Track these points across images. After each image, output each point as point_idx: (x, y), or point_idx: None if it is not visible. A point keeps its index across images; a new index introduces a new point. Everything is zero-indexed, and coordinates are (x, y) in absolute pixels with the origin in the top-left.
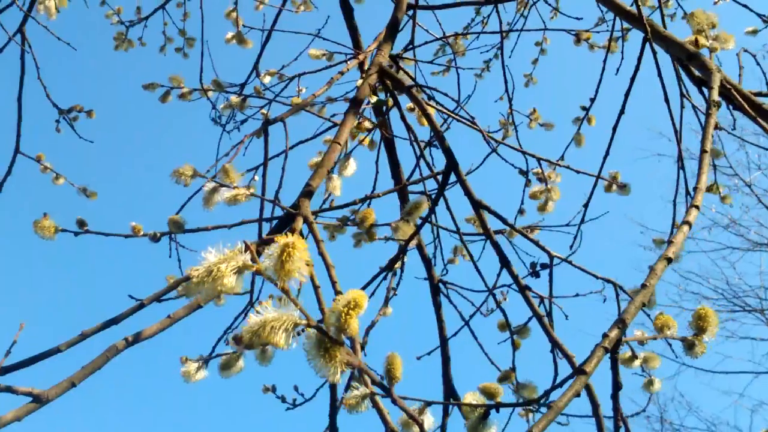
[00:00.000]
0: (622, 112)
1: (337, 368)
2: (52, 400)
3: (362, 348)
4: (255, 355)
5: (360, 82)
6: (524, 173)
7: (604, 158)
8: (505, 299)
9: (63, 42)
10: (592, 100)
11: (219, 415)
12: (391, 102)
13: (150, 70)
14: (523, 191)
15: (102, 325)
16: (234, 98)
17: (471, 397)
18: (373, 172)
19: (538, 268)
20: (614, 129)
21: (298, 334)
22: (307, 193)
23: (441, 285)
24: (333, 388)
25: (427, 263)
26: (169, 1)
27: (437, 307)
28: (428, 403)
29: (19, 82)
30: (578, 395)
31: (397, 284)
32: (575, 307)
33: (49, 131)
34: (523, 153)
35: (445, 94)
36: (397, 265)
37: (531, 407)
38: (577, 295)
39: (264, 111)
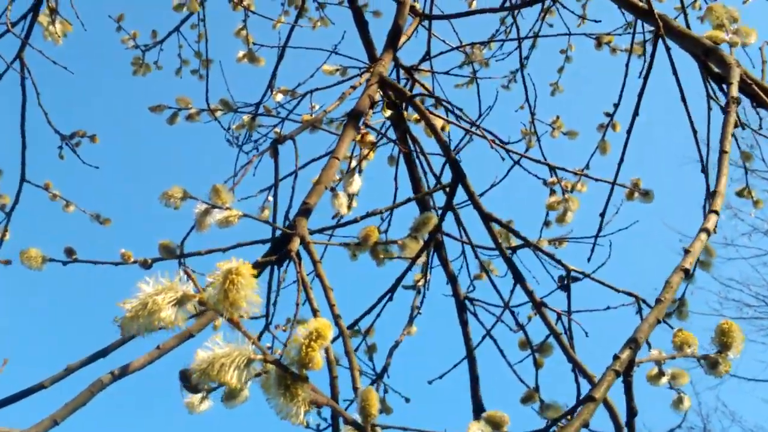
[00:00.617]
0: (635, 114)
1: (300, 407)
2: None
3: (385, 370)
4: (261, 383)
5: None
6: (550, 184)
7: (619, 164)
8: (530, 320)
9: (60, 66)
10: (616, 106)
11: None
12: (388, 113)
13: (160, 92)
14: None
15: (89, 358)
16: (246, 118)
17: (476, 427)
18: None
19: (566, 281)
20: (629, 132)
21: (255, 372)
22: (304, 211)
23: (467, 302)
24: (335, 421)
25: (452, 280)
26: (184, 23)
27: (464, 324)
28: None
29: (21, 110)
30: (586, 425)
31: (421, 302)
32: (600, 323)
33: (54, 157)
34: (544, 164)
35: (459, 108)
36: (421, 282)
37: None
38: (594, 310)
39: (277, 130)
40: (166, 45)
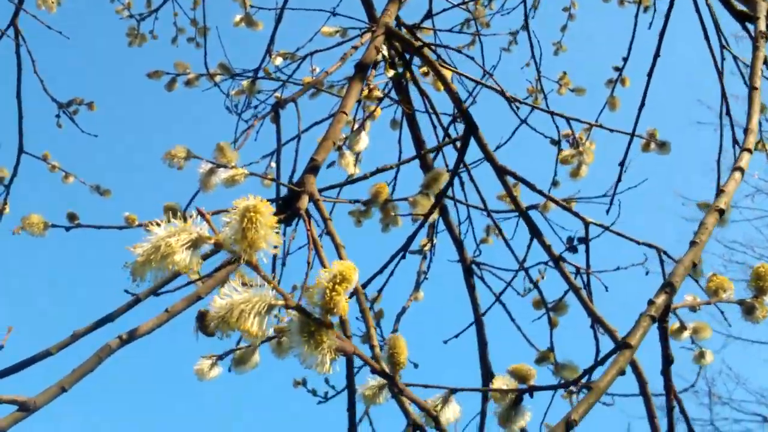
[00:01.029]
0: (657, 54)
1: (325, 355)
2: (40, 407)
3: None
4: (271, 348)
5: (363, 41)
6: (556, 143)
7: (640, 108)
8: (542, 278)
9: (55, 32)
10: (625, 60)
11: (242, 415)
12: (391, 72)
13: (157, 59)
14: (555, 162)
15: (95, 323)
16: (245, 83)
17: (501, 381)
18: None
19: (575, 242)
20: (649, 75)
21: (276, 318)
22: (312, 168)
23: (474, 266)
24: (350, 380)
25: (459, 244)
26: None
27: (471, 289)
28: (452, 390)
29: (16, 78)
30: (623, 373)
31: (428, 267)
32: (614, 280)
33: (51, 127)
34: (552, 114)
35: (470, 57)
36: (427, 247)
37: (572, 388)
38: (618, 268)
39: (278, 94)
40: (161, 13)
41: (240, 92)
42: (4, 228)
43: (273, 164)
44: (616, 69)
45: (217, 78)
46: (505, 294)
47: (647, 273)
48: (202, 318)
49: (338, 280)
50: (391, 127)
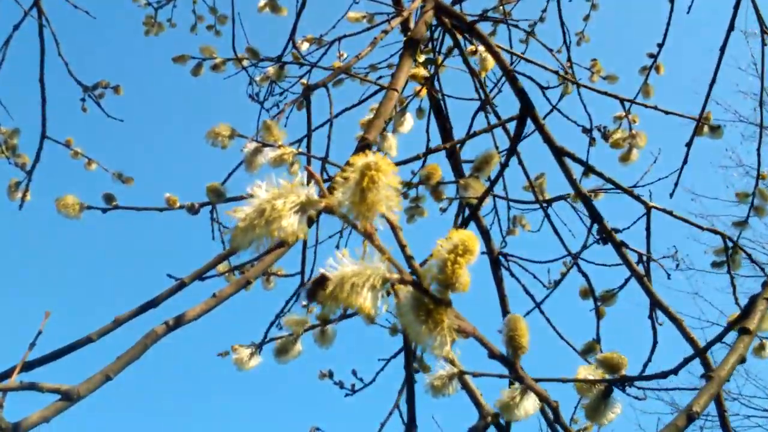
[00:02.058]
0: (731, 28)
1: (445, 337)
2: (83, 396)
3: None
4: (314, 337)
5: (408, 12)
6: (587, 131)
7: (710, 85)
8: (568, 270)
9: (81, 11)
10: (660, 46)
11: (271, 407)
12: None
13: (181, 45)
14: (588, 151)
15: (138, 309)
16: (271, 69)
17: (586, 371)
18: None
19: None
20: (722, 50)
21: (388, 293)
22: (363, 148)
23: (501, 258)
24: (409, 370)
25: (485, 235)
26: None
27: (498, 282)
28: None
29: (39, 61)
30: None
31: None
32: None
33: (75, 112)
34: (612, 95)
35: (529, 31)
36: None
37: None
38: (674, 253)
39: (304, 81)
40: (179, 1)
41: (265, 78)
42: (27, 215)
43: (301, 150)
44: (651, 56)
45: (245, 62)
46: (533, 287)
47: (718, 264)
48: (320, 283)
49: (460, 251)
50: (417, 117)
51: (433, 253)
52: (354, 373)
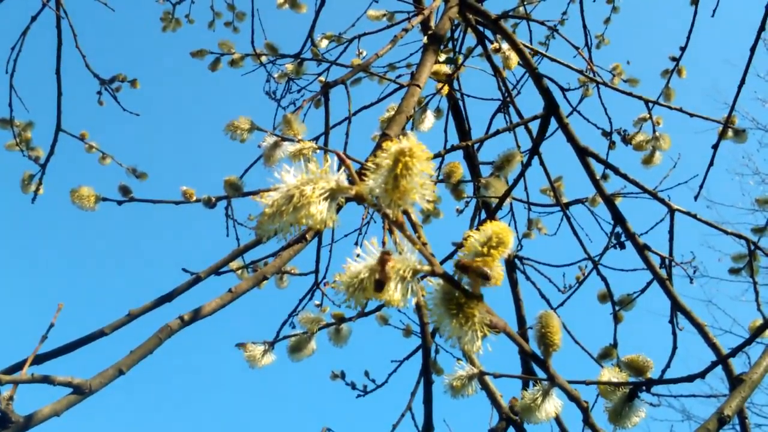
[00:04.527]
0: (762, 28)
1: (476, 332)
2: (96, 390)
3: (436, 330)
4: (329, 336)
5: (429, 10)
6: (607, 134)
7: (739, 87)
8: (584, 274)
9: (100, 3)
10: (683, 49)
11: (283, 407)
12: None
13: (198, 43)
14: (607, 154)
15: (153, 303)
16: (290, 65)
17: (609, 373)
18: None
19: (623, 238)
20: (752, 50)
21: (418, 285)
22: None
23: (517, 261)
24: (426, 369)
25: None
26: None
27: (513, 284)
28: (553, 383)
29: (56, 53)
30: None
31: None
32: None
33: (91, 105)
34: (637, 97)
35: (554, 29)
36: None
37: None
38: (692, 259)
39: (322, 78)
40: None
41: (282, 76)
42: (40, 208)
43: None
44: (673, 59)
45: (263, 58)
46: (547, 288)
47: (736, 270)
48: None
49: (494, 243)
50: (435, 117)
51: (466, 245)
52: (366, 374)
